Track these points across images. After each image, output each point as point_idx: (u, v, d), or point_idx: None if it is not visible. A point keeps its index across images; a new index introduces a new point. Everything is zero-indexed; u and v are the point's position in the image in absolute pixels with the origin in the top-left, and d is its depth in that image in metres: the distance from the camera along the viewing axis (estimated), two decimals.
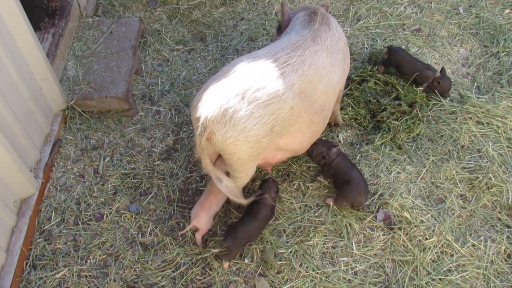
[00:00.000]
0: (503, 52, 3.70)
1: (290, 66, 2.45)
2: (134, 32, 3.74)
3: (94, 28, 3.78)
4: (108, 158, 3.26)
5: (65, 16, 3.61)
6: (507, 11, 3.98)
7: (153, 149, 3.31)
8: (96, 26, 3.80)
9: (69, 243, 2.87)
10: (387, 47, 3.51)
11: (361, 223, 2.86)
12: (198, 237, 2.77)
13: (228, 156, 2.46)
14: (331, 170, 2.91)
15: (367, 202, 2.92)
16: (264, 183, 2.86)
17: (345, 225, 2.86)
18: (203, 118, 2.32)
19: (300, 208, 2.96)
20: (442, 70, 3.34)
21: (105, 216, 2.97)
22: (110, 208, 3.00)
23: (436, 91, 3.35)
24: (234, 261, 2.75)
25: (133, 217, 2.98)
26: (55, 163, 3.21)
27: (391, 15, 4.03)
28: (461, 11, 4.04)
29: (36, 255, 2.81)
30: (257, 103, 2.32)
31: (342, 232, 2.84)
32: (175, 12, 4.21)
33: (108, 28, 3.77)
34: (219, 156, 2.68)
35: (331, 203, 2.89)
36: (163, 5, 4.26)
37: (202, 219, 2.71)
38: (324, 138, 3.11)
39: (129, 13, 4.19)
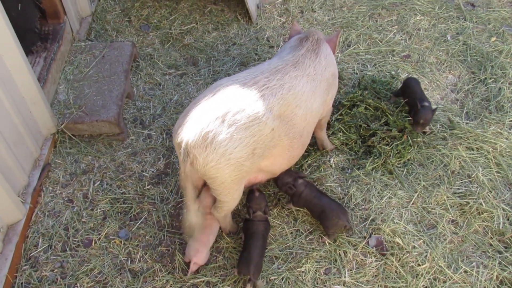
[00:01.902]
0: (490, 78, 3.77)
1: (269, 89, 2.47)
2: (127, 56, 3.76)
3: (86, 52, 3.79)
4: (98, 182, 3.22)
5: (57, 40, 3.62)
6: (493, 39, 4.08)
7: (143, 173, 3.28)
8: (89, 50, 3.81)
9: (56, 270, 2.81)
10: (405, 78, 3.44)
11: (354, 249, 2.84)
12: (194, 268, 2.72)
13: (211, 181, 2.46)
14: (301, 201, 2.90)
15: (353, 225, 2.92)
16: (252, 201, 2.82)
17: (337, 251, 2.83)
18: (184, 143, 2.32)
19: (291, 233, 2.94)
20: (423, 105, 3.24)
21: (93, 242, 2.92)
22: (99, 234, 2.95)
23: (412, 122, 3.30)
24: None
25: (122, 243, 2.93)
26: (44, 188, 3.17)
27: (381, 42, 4.10)
28: (449, 38, 4.12)
29: (22, 283, 2.74)
30: (237, 126, 2.32)
31: (334, 258, 2.81)
32: (168, 36, 4.24)
33: (101, 52, 3.78)
34: (205, 184, 2.68)
35: (327, 241, 2.86)
36: (156, 30, 4.30)
37: (203, 254, 2.67)
38: (292, 169, 3.07)
39: (121, 38, 4.21)
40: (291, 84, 2.54)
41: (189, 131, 2.32)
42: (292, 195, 2.92)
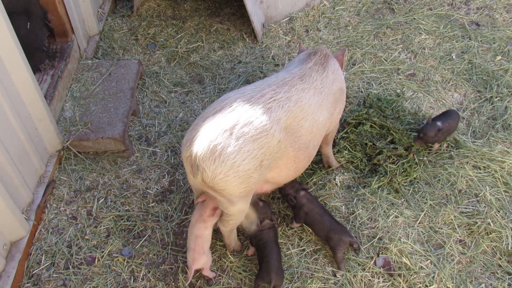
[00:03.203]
0: (496, 97, 3.76)
1: (276, 102, 2.48)
2: (133, 74, 3.79)
3: (93, 70, 3.83)
4: (102, 199, 3.21)
5: (65, 58, 3.67)
6: (498, 57, 4.08)
7: (148, 190, 3.27)
8: (95, 68, 3.84)
9: None
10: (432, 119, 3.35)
11: (361, 269, 2.80)
12: (207, 272, 2.71)
13: (218, 193, 2.45)
14: (302, 215, 2.89)
15: (360, 244, 2.89)
16: (257, 211, 2.81)
17: (344, 272, 2.79)
18: (193, 156, 2.33)
19: (297, 253, 2.90)
20: (433, 123, 3.25)
21: (96, 260, 2.89)
22: (102, 252, 2.93)
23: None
24: None
25: (126, 261, 2.90)
26: (48, 205, 3.16)
27: (386, 60, 4.11)
28: (454, 57, 4.13)
29: None
30: (245, 138, 2.33)
31: (340, 279, 2.76)
32: (174, 55, 4.28)
33: (107, 70, 3.82)
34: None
35: (343, 266, 2.81)
36: (162, 48, 4.34)
37: (201, 261, 2.65)
38: (297, 180, 3.06)
39: (128, 56, 4.25)
40: (298, 97, 2.56)
41: (197, 144, 2.33)
42: (294, 207, 2.93)
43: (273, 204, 3.15)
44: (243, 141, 2.32)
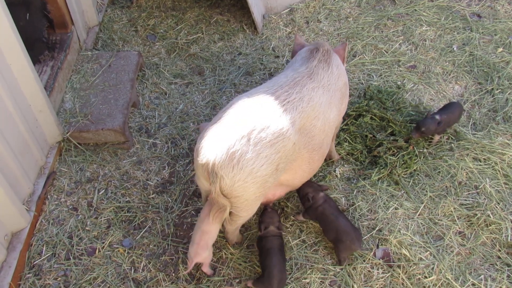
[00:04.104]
0: (497, 89, 3.75)
1: (290, 104, 2.46)
2: (133, 66, 3.78)
3: (93, 61, 3.81)
4: (103, 191, 3.21)
5: (64, 49, 3.65)
6: (500, 49, 4.06)
7: (148, 182, 3.27)
8: (95, 59, 3.83)
9: (59, 278, 2.79)
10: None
11: (360, 260, 2.81)
12: (206, 269, 2.72)
13: (235, 199, 2.41)
14: (315, 213, 2.84)
15: (365, 237, 2.88)
16: (263, 216, 2.81)
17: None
18: (211, 164, 2.28)
19: (297, 244, 2.91)
20: (433, 116, 3.24)
21: (97, 251, 2.91)
22: (103, 242, 2.94)
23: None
24: None
25: (126, 251, 2.91)
26: (49, 196, 3.17)
27: (387, 52, 4.09)
28: (455, 49, 4.11)
29: None
30: (263, 144, 2.31)
31: (340, 270, 2.78)
32: (174, 46, 4.27)
33: (107, 61, 3.80)
34: None
35: (343, 263, 2.80)
36: (162, 40, 4.33)
37: (202, 255, 2.65)
38: (314, 179, 3.06)
39: (128, 47, 4.24)
40: (310, 97, 2.54)
41: (214, 151, 2.28)
42: (309, 207, 2.87)
43: None
44: (260, 147, 2.30)
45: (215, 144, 2.30)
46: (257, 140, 2.30)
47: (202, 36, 4.36)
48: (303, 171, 2.68)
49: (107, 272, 2.81)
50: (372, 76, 3.91)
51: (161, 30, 4.39)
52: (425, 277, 2.73)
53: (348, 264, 2.79)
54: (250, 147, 2.28)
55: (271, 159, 2.34)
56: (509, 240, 2.88)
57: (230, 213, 2.55)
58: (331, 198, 2.96)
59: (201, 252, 2.63)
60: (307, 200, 2.85)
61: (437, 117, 3.21)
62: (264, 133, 2.32)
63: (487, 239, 2.90)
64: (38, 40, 3.53)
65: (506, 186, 3.15)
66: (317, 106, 2.57)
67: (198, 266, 2.77)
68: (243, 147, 2.27)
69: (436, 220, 2.99)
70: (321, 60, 2.72)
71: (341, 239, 2.72)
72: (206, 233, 2.63)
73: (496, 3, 4.51)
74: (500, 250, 2.86)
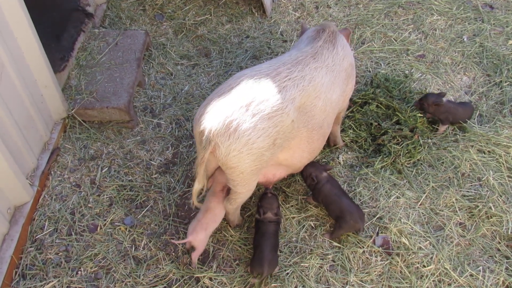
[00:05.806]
0: (506, 82, 3.71)
1: (291, 81, 2.47)
2: (139, 45, 3.76)
3: (100, 39, 3.80)
4: (106, 169, 3.23)
5: None
6: (510, 42, 4.01)
7: (151, 161, 3.28)
8: (102, 37, 3.81)
9: (60, 253, 2.82)
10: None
11: (360, 247, 2.82)
12: (194, 258, 2.71)
13: (230, 170, 2.44)
14: (320, 195, 2.85)
15: (365, 224, 2.89)
16: (263, 200, 2.81)
17: (343, 248, 2.81)
18: (207, 131, 2.30)
19: (296, 229, 2.92)
20: (441, 94, 3.29)
21: (99, 228, 2.93)
22: (105, 220, 2.96)
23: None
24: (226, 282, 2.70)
25: (127, 230, 2.93)
26: (52, 172, 3.18)
27: (396, 40, 4.05)
28: (465, 39, 4.06)
29: (26, 264, 2.76)
30: (261, 115, 2.32)
31: (338, 256, 2.79)
32: (181, 27, 4.24)
33: (114, 39, 3.79)
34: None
35: (328, 238, 2.84)
36: (170, 20, 4.29)
37: (199, 235, 2.66)
38: (317, 161, 3.06)
39: (135, 26, 4.21)
40: (312, 76, 2.55)
41: (212, 119, 2.31)
42: (314, 188, 2.88)
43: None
44: (258, 118, 2.31)
45: (213, 113, 2.32)
46: (256, 111, 2.31)
47: (210, 17, 4.32)
48: (302, 150, 2.68)
49: (108, 249, 2.84)
50: (380, 64, 3.87)
51: (169, 10, 4.35)
52: (424, 266, 2.74)
53: (348, 249, 2.80)
54: (248, 117, 2.29)
55: (268, 132, 2.35)
56: (509, 233, 2.87)
57: (229, 190, 2.57)
58: (334, 178, 2.96)
59: (200, 230, 2.64)
60: (312, 179, 2.86)
61: (444, 99, 3.25)
62: (263, 106, 2.33)
63: (487, 231, 2.90)
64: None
65: (510, 179, 3.13)
66: (318, 86, 2.57)
67: (189, 251, 2.78)
68: (241, 116, 2.28)
69: (437, 211, 2.99)
70: (326, 40, 2.71)
71: (345, 219, 2.74)
72: (209, 210, 2.65)
73: None
74: (500, 243, 2.86)
